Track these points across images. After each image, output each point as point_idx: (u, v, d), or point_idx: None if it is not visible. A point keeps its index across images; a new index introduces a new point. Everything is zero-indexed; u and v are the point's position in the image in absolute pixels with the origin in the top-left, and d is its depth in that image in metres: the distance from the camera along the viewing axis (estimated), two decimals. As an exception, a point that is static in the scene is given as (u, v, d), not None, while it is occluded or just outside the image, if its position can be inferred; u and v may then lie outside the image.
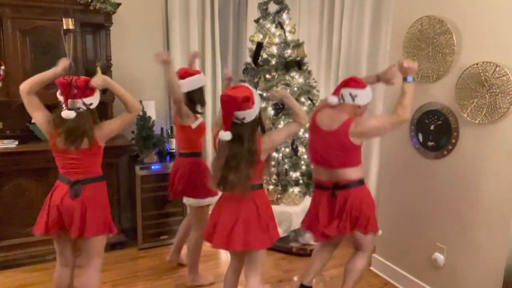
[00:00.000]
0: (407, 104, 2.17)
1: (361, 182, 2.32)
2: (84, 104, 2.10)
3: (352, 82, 2.31)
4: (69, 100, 2.06)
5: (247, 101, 1.94)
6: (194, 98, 2.75)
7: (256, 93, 2.03)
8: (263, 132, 2.12)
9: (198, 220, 2.79)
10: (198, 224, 2.78)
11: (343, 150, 2.25)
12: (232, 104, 1.90)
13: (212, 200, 2.75)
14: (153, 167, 3.43)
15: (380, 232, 2.41)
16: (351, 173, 2.29)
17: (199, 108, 2.83)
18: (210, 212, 2.38)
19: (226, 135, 1.95)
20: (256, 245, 2.07)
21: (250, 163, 1.99)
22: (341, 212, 2.29)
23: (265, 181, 2.30)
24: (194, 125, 2.70)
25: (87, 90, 2.11)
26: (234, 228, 2.05)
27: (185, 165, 2.75)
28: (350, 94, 2.29)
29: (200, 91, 2.79)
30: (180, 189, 2.75)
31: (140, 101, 3.16)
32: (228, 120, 1.94)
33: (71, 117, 2.03)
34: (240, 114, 1.94)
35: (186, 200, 2.78)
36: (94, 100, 2.15)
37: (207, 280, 2.92)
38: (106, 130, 2.17)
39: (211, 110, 4.28)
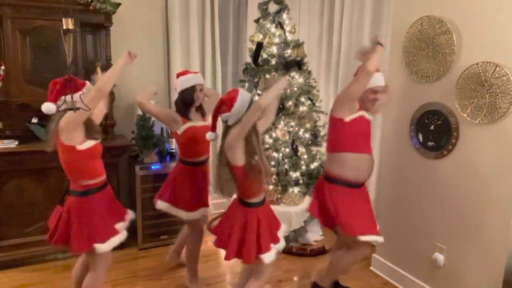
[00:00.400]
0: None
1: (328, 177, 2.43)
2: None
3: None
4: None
5: (222, 105, 2.02)
6: (185, 98, 2.64)
7: (243, 98, 2.01)
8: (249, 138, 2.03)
9: (193, 230, 2.78)
10: (193, 232, 2.78)
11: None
12: (216, 107, 2.06)
13: (205, 211, 2.75)
14: (153, 167, 3.44)
15: (369, 237, 2.36)
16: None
17: (192, 111, 2.67)
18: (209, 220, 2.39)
19: (208, 135, 2.15)
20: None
21: (220, 163, 2.07)
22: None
23: (262, 197, 2.16)
24: (180, 130, 2.62)
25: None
26: (245, 240, 2.08)
27: (174, 173, 2.77)
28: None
29: (190, 91, 2.63)
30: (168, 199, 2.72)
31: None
32: (213, 121, 2.13)
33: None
34: (222, 116, 2.05)
35: (175, 212, 2.70)
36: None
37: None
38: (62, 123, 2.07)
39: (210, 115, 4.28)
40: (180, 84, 2.65)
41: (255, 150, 2.01)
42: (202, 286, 2.89)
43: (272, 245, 2.14)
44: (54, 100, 2.10)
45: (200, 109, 2.75)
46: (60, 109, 2.05)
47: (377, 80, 2.35)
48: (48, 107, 2.05)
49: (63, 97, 2.00)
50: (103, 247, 2.13)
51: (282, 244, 2.22)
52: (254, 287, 2.20)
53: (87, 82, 2.20)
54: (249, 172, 2.01)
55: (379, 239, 2.40)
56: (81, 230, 2.10)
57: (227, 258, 2.10)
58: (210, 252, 3.30)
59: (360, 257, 2.54)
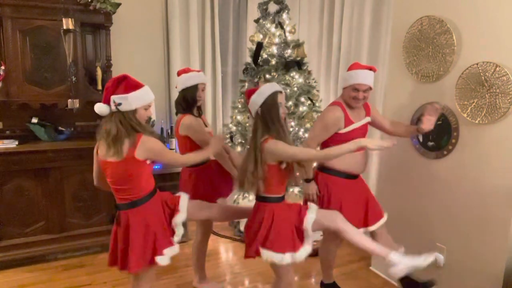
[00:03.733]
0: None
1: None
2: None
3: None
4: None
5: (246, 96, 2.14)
6: (187, 97, 2.54)
7: (261, 91, 2.05)
8: (270, 131, 2.03)
9: (200, 226, 2.76)
10: (199, 229, 2.76)
11: None
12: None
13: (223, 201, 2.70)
14: (154, 167, 3.43)
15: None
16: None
17: (195, 111, 2.60)
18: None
19: None
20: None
21: (254, 161, 2.01)
22: None
23: (282, 194, 2.12)
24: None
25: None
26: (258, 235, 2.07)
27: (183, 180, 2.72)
28: None
29: (192, 89, 2.54)
30: None
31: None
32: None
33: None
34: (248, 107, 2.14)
35: None
36: (123, 100, 1.91)
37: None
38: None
39: (211, 111, 4.29)
40: (182, 82, 2.54)
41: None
42: (215, 285, 2.89)
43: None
44: (106, 101, 1.95)
45: (198, 109, 2.66)
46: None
47: (359, 77, 2.32)
48: (100, 108, 1.94)
49: (111, 98, 1.91)
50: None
51: (304, 252, 2.07)
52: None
53: (143, 85, 2.00)
54: (283, 169, 2.03)
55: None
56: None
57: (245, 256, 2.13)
58: (210, 252, 3.29)
59: (333, 247, 2.65)
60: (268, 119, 2.02)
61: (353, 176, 2.44)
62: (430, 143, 2.65)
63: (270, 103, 2.02)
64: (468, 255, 2.46)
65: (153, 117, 3.59)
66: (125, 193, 1.97)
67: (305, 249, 2.07)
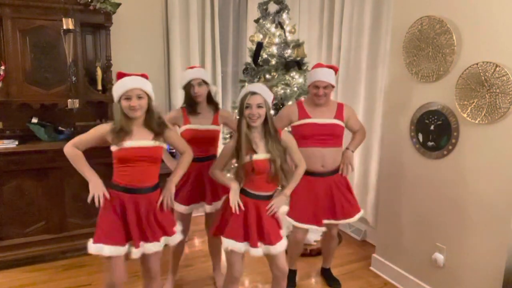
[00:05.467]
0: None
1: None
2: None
3: None
4: None
5: None
6: (185, 95, 2.57)
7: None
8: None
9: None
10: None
11: None
12: None
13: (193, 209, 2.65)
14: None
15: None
16: None
17: (196, 109, 2.57)
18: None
19: None
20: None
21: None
22: None
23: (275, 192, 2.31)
24: (180, 129, 2.57)
25: None
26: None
27: None
28: None
29: (187, 86, 2.53)
30: None
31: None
32: None
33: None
34: None
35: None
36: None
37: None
38: None
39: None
40: (182, 80, 2.60)
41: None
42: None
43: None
44: None
45: (214, 105, 2.64)
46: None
47: (317, 75, 2.52)
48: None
49: None
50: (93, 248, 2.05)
51: (284, 243, 2.26)
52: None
53: (124, 77, 2.09)
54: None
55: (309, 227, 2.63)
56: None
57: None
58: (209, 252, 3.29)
59: (293, 242, 2.73)
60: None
61: (313, 174, 2.55)
62: (430, 143, 2.65)
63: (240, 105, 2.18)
64: (468, 255, 2.46)
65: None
66: None
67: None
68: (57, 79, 3.19)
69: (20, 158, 3.03)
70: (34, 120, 3.32)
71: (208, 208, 2.63)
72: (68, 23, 2.82)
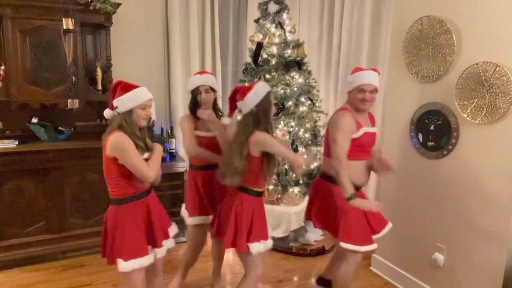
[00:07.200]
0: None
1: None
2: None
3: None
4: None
5: (237, 93, 2.25)
6: (193, 99, 2.57)
7: (257, 90, 2.14)
8: (259, 126, 2.14)
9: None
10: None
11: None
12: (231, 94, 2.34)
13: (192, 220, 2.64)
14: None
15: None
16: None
17: (200, 113, 2.54)
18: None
19: (224, 119, 2.46)
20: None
21: (239, 155, 2.11)
22: None
23: (262, 189, 2.28)
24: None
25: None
26: (228, 226, 2.21)
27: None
28: None
29: (194, 91, 2.54)
30: None
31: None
32: (230, 107, 2.38)
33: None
34: (238, 104, 2.21)
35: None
36: (118, 103, 2.02)
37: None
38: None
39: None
40: (188, 85, 2.60)
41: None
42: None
43: (262, 241, 2.23)
44: (111, 107, 2.08)
45: (216, 111, 2.63)
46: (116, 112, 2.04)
47: (364, 78, 2.30)
48: (107, 114, 2.09)
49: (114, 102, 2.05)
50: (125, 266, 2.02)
51: (270, 242, 2.30)
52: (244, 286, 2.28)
53: (138, 87, 2.07)
54: (264, 163, 2.16)
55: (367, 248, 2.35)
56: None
57: (224, 245, 2.23)
58: (210, 252, 3.30)
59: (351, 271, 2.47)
60: (261, 117, 2.14)
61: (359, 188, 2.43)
62: (430, 143, 2.65)
63: (266, 102, 2.15)
64: (468, 255, 2.46)
65: (153, 117, 3.59)
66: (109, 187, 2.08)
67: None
68: (57, 79, 3.19)
69: (20, 158, 3.03)
70: (34, 120, 3.32)
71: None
72: (68, 23, 2.82)
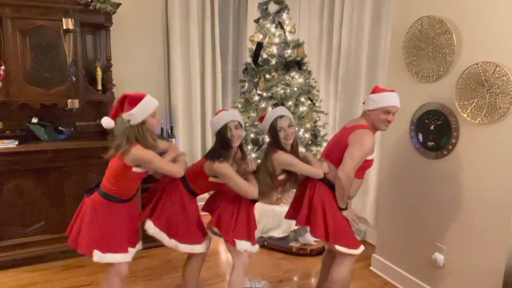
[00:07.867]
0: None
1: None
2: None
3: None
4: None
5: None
6: (223, 138, 2.37)
7: (266, 118, 2.43)
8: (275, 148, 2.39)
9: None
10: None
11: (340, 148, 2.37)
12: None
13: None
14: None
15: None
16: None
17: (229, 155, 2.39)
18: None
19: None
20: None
21: (269, 174, 2.40)
22: None
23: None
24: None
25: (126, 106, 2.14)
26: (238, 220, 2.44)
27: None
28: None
29: (223, 129, 2.32)
30: None
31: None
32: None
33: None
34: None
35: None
36: (130, 117, 2.09)
37: None
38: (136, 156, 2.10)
39: (210, 111, 4.28)
40: (213, 126, 2.37)
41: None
42: None
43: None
44: (113, 117, 2.20)
45: (242, 151, 2.52)
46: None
47: (390, 99, 2.28)
48: (107, 123, 2.19)
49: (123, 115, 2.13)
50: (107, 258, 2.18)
51: (256, 247, 2.47)
52: (234, 276, 2.42)
53: (144, 97, 2.13)
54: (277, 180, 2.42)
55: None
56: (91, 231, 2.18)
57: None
58: (210, 252, 3.29)
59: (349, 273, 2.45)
60: (272, 140, 2.42)
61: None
62: (430, 143, 2.65)
63: (271, 129, 2.39)
64: (468, 255, 2.46)
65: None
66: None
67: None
68: (57, 79, 3.19)
69: (20, 158, 3.03)
70: (34, 120, 3.32)
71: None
72: (68, 23, 2.82)
